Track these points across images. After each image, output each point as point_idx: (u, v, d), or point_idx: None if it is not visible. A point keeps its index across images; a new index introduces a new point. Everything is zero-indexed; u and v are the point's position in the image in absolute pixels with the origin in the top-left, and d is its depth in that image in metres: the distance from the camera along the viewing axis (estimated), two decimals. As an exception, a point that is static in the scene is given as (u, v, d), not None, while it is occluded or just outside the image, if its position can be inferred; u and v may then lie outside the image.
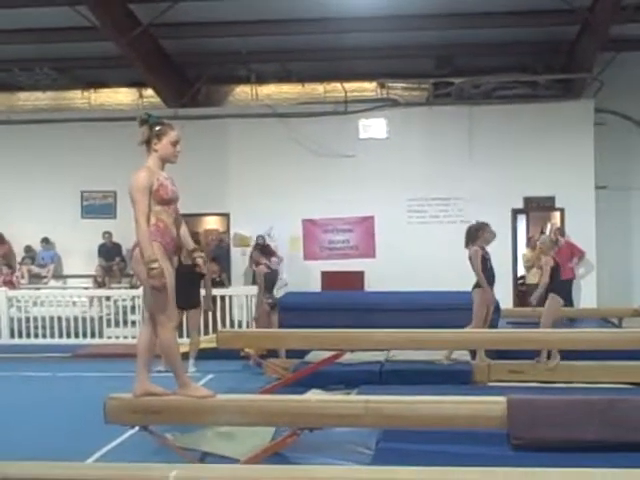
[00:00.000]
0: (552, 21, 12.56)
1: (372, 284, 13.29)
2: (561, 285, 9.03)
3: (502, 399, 4.55)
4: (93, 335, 12.12)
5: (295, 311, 9.41)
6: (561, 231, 13.49)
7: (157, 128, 4.56)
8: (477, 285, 8.45)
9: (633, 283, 13.81)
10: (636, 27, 12.71)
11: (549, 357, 8.17)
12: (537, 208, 14.10)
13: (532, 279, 11.66)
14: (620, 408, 4.58)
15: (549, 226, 14.13)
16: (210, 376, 9.02)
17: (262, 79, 14.45)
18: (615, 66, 13.34)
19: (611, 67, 13.31)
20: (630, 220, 14.25)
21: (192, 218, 14.71)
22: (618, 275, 13.75)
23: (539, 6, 12.04)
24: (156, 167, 4.58)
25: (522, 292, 13.32)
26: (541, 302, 8.82)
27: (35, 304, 12.36)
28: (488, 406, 4.61)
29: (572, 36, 12.93)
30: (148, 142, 4.59)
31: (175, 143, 4.62)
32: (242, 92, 14.82)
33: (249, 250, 13.23)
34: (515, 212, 13.90)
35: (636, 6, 11.57)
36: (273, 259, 10.42)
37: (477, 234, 8.53)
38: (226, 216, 14.33)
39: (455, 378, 7.68)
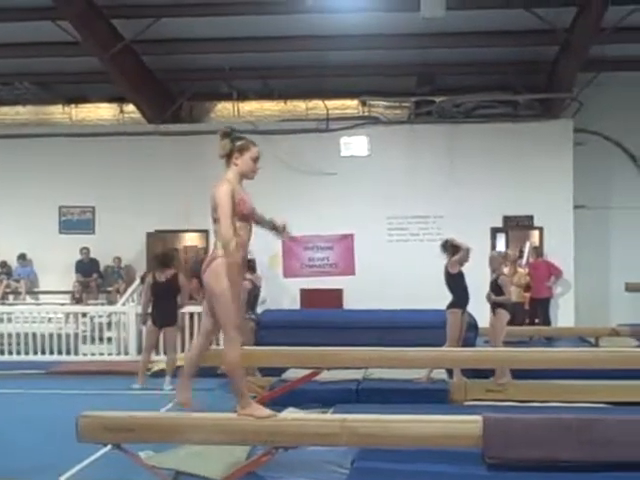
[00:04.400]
0: (532, 41, 12.70)
1: (351, 302, 13.26)
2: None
3: (478, 418, 4.53)
4: (68, 352, 11.99)
5: (273, 329, 9.39)
6: (539, 250, 13.56)
7: (239, 143, 4.59)
8: (451, 305, 8.50)
9: (610, 303, 13.88)
10: (615, 48, 12.86)
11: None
12: (516, 227, 14.17)
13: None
14: (596, 428, 4.57)
15: (528, 245, 14.20)
16: (186, 394, 8.92)
17: (244, 96, 14.47)
18: (595, 86, 13.48)
19: (591, 87, 13.45)
20: (608, 240, 14.35)
21: (171, 235, 14.72)
22: (595, 294, 13.82)
23: (519, 26, 12.16)
24: (235, 181, 4.58)
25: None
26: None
27: (10, 320, 12.20)
28: (463, 425, 4.59)
29: (552, 56, 13.07)
30: (229, 156, 4.59)
31: (256, 159, 4.67)
32: (224, 109, 14.83)
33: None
34: (494, 231, 13.96)
35: (615, 27, 11.71)
36: (256, 275, 10.40)
37: (454, 250, 8.60)
38: (205, 233, 14.26)
39: (432, 397, 7.68)
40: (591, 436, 4.53)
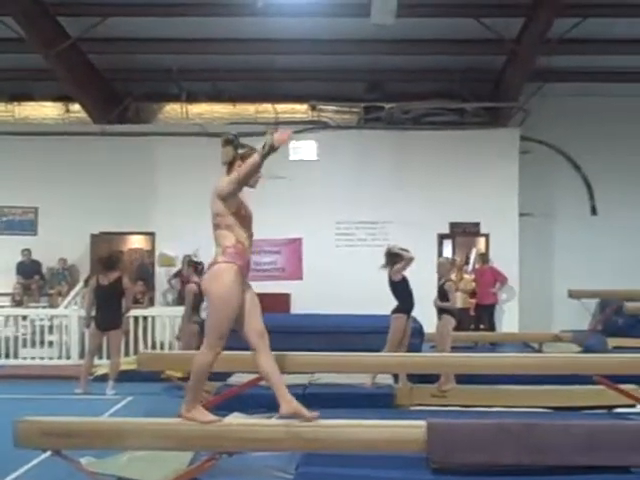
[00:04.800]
0: (480, 50, 12.87)
1: (298, 307, 13.23)
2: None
3: (422, 423, 4.54)
4: (7, 356, 11.71)
5: (219, 333, 9.28)
6: (485, 256, 13.73)
7: (242, 151, 4.52)
8: (396, 310, 8.54)
9: (554, 309, 14.11)
10: (560, 59, 13.14)
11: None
12: (462, 233, 14.31)
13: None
14: (537, 432, 4.62)
15: (474, 251, 14.37)
16: (129, 398, 8.80)
17: (193, 98, 14.34)
18: (540, 96, 13.73)
19: (537, 97, 13.69)
20: (552, 247, 14.61)
21: (117, 237, 14.49)
22: (539, 301, 14.05)
23: (468, 35, 12.31)
24: None
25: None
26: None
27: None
28: (408, 430, 4.60)
29: (500, 65, 13.26)
30: (231, 163, 4.52)
31: (256, 180, 4.56)
32: (172, 110, 14.67)
33: (174, 270, 13.05)
34: (441, 237, 14.08)
35: (560, 39, 11.94)
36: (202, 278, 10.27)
37: (395, 258, 8.63)
38: (151, 235, 14.09)
39: (378, 402, 7.68)
40: (532, 440, 4.58)
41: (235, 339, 8.69)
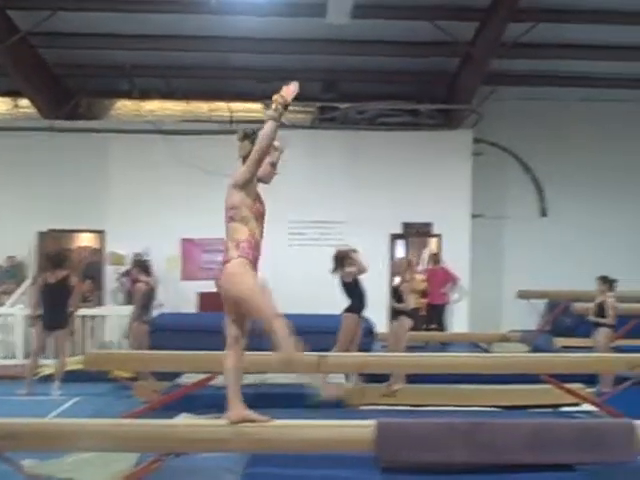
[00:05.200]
0: (435, 52, 12.94)
1: (250, 306, 13.13)
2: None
3: (371, 422, 4.54)
4: None
5: (168, 332, 9.20)
6: (437, 257, 13.82)
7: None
8: (347, 309, 8.56)
9: (503, 309, 14.28)
10: (514, 63, 13.29)
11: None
12: (415, 234, 14.39)
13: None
14: (485, 430, 4.66)
15: (426, 252, 14.46)
16: (76, 399, 8.66)
17: (146, 94, 14.15)
18: (494, 99, 13.86)
19: (490, 100, 13.82)
20: (503, 248, 14.79)
21: (65, 234, 14.24)
22: (489, 301, 14.20)
23: (423, 37, 12.37)
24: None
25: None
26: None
27: None
28: (357, 429, 4.59)
29: (454, 68, 13.35)
30: (247, 157, 4.34)
31: (274, 164, 4.44)
32: (124, 107, 14.45)
33: (123, 269, 12.87)
34: (394, 237, 14.14)
35: (514, 43, 12.07)
36: (151, 278, 10.18)
37: (344, 261, 8.66)
38: (101, 233, 13.87)
39: (329, 401, 7.67)
40: (479, 439, 4.61)
41: (183, 339, 8.66)
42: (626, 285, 10.62)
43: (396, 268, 9.52)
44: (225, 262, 4.24)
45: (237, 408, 4.34)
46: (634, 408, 6.28)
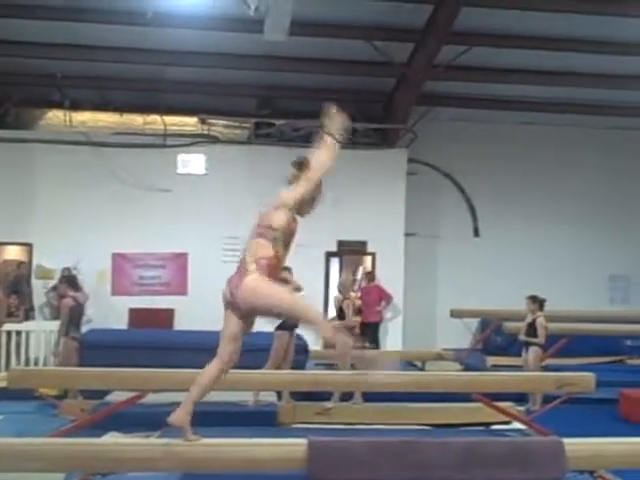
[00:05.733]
0: (371, 72, 13.09)
1: (183, 322, 12.96)
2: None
3: (303, 441, 4.49)
4: None
5: (98, 349, 8.98)
6: (371, 275, 13.88)
7: None
8: (279, 327, 8.55)
9: (436, 327, 14.40)
10: (448, 85, 13.51)
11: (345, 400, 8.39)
12: (350, 252, 14.43)
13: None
14: (416, 449, 4.66)
15: (361, 270, 14.51)
16: (-1, 417, 8.36)
17: (78, 105, 13.86)
18: (428, 120, 14.05)
19: (424, 120, 14.00)
20: (436, 267, 14.94)
21: (-9, 247, 13.81)
22: (423, 319, 14.31)
23: (360, 57, 12.48)
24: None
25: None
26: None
27: None
28: (289, 448, 4.54)
29: (390, 88, 13.50)
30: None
31: (314, 201, 4.58)
32: (55, 117, 14.12)
33: (52, 283, 12.55)
34: (329, 255, 14.15)
35: (447, 66, 12.28)
36: (80, 293, 9.93)
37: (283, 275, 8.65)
38: (29, 246, 13.49)
39: (260, 419, 7.61)
40: (410, 458, 4.61)
41: (113, 356, 8.46)
42: (556, 304, 10.83)
43: (341, 286, 9.58)
44: (241, 274, 4.21)
45: (183, 413, 4.41)
46: (562, 426, 6.39)
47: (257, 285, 4.13)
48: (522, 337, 9.95)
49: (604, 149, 15.15)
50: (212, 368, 4.37)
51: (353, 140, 14.07)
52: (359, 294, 13.79)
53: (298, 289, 8.72)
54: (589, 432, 5.04)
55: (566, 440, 4.75)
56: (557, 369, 8.68)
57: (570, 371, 7.34)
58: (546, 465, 4.68)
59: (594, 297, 14.64)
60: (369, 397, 8.47)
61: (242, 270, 4.23)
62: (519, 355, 10.12)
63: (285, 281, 8.67)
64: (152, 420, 7.46)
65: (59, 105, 13.85)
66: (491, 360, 11.79)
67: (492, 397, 7.08)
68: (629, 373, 11.69)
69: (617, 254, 15.15)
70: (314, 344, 10.27)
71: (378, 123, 14.05)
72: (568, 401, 7.01)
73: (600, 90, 13.66)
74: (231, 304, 4.28)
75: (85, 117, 14.02)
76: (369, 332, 13.40)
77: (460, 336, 13.44)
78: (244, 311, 4.24)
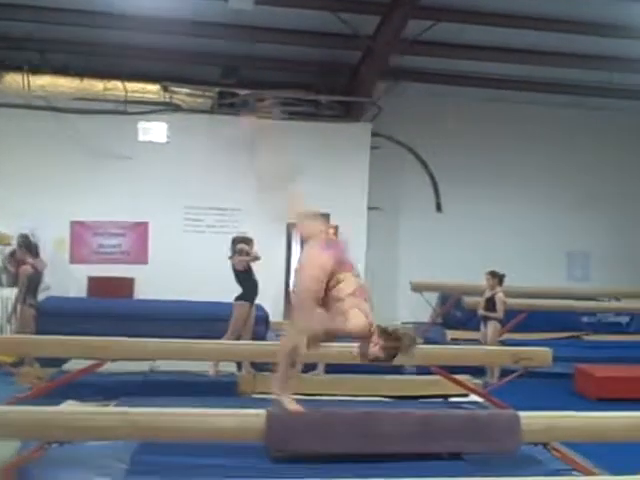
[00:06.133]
0: (337, 44, 12.96)
1: (143, 292, 12.86)
2: None
3: (262, 412, 4.50)
4: None
5: (55, 317, 8.90)
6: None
7: None
8: (239, 297, 8.56)
9: (398, 301, 14.49)
10: (414, 60, 13.46)
11: (308, 370, 8.46)
12: (312, 224, 14.37)
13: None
14: (374, 420, 4.70)
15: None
16: (-48, 386, 8.23)
17: (36, 69, 13.51)
18: (394, 94, 14.01)
19: (389, 95, 13.95)
20: (398, 241, 15.01)
21: None
22: (384, 293, 14.35)
23: (325, 28, 12.35)
24: None
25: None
26: None
27: None
28: (248, 419, 4.56)
29: (355, 60, 13.41)
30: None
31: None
32: (13, 81, 13.69)
33: (9, 249, 12.33)
34: (291, 226, 14.10)
35: (414, 40, 12.23)
36: (38, 260, 9.80)
37: (241, 248, 8.66)
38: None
39: (220, 389, 7.62)
40: (368, 429, 4.65)
41: (71, 324, 8.37)
42: (516, 280, 10.96)
43: None
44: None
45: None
46: (518, 400, 6.49)
47: None
48: (481, 312, 10.08)
49: (567, 127, 15.29)
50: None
51: (317, 112, 14.07)
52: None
53: (256, 258, 8.74)
54: (544, 406, 5.13)
55: (521, 413, 4.83)
56: (515, 344, 8.79)
57: (527, 346, 7.45)
58: (502, 437, 4.76)
59: (553, 274, 14.86)
60: (330, 369, 8.52)
61: None
62: (478, 329, 10.25)
63: (244, 252, 8.68)
64: (110, 389, 7.47)
65: (17, 68, 13.50)
66: (450, 334, 11.93)
67: (451, 370, 7.16)
68: (584, 349, 11.93)
69: (577, 231, 15.36)
70: (275, 315, 10.30)
71: (343, 96, 13.97)
72: (525, 375, 7.11)
73: (564, 69, 13.74)
74: None
75: (44, 81, 13.68)
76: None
77: (421, 310, 13.54)
78: None
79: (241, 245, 8.79)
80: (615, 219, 15.51)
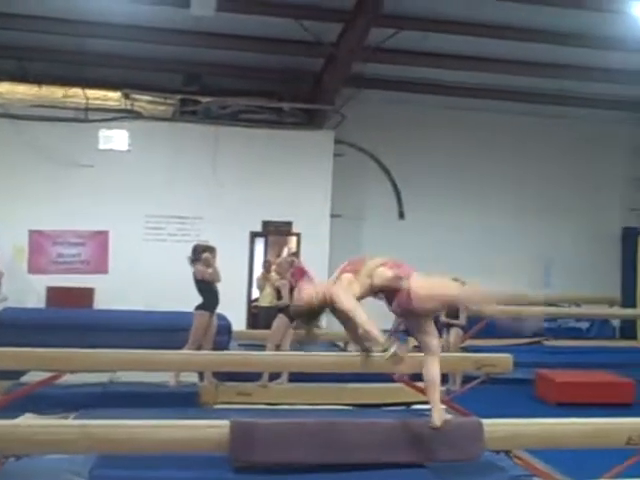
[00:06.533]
0: (299, 51, 12.95)
1: (103, 302, 12.68)
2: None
3: (224, 422, 4.46)
4: None
5: (13, 328, 8.72)
6: (296, 256, 13.83)
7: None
8: (199, 307, 8.50)
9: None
10: (376, 67, 13.52)
11: (272, 379, 8.42)
12: (275, 232, 14.36)
13: (263, 301, 11.72)
14: (337, 430, 4.67)
15: (285, 250, 14.47)
16: None
17: (-6, 76, 13.32)
18: (356, 101, 14.04)
19: (352, 102, 13.99)
20: (361, 249, 14.97)
21: None
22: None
23: (288, 35, 12.34)
24: None
25: (255, 314, 13.44)
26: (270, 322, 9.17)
27: None
28: (210, 430, 4.51)
29: (318, 68, 13.43)
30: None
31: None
32: (-30, 88, 13.55)
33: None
34: (253, 235, 14.06)
35: (376, 48, 12.28)
36: (-4, 270, 9.62)
37: (201, 255, 8.62)
38: None
39: (182, 400, 7.54)
40: (332, 439, 4.63)
41: (29, 335, 8.21)
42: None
43: (279, 267, 9.63)
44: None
45: (440, 412, 4.76)
46: (481, 406, 6.51)
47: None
48: (443, 318, 10.11)
49: (528, 135, 15.42)
50: (431, 364, 4.85)
51: (280, 120, 14.05)
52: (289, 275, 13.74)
53: (217, 278, 8.70)
54: (506, 412, 5.16)
55: (484, 421, 4.83)
56: (477, 350, 8.85)
57: (489, 352, 7.49)
58: (465, 445, 4.76)
59: (515, 280, 14.93)
60: (293, 378, 8.48)
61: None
62: (440, 336, 10.25)
63: (208, 262, 8.62)
64: (69, 401, 7.34)
65: (-26, 75, 13.29)
66: (413, 341, 11.92)
67: (413, 377, 7.16)
68: (545, 354, 12.04)
69: (539, 239, 15.49)
70: (238, 324, 10.23)
71: (306, 103, 13.97)
72: (487, 381, 7.14)
73: (521, 77, 13.89)
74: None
75: (2, 88, 13.47)
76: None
77: (383, 317, 13.52)
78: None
79: (206, 255, 8.72)
80: (576, 227, 15.68)
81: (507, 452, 5.14)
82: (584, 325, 14.92)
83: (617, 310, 14.84)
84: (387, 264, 4.85)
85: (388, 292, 4.81)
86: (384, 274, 4.77)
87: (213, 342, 8.59)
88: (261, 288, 11.49)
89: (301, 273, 13.41)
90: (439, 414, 4.74)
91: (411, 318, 4.93)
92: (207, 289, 8.58)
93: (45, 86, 13.33)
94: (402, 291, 4.74)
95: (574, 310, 14.25)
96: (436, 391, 4.81)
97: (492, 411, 5.01)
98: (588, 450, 5.14)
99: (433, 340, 4.88)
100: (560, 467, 5.74)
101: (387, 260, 4.89)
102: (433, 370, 4.82)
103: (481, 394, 7.63)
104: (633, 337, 14.87)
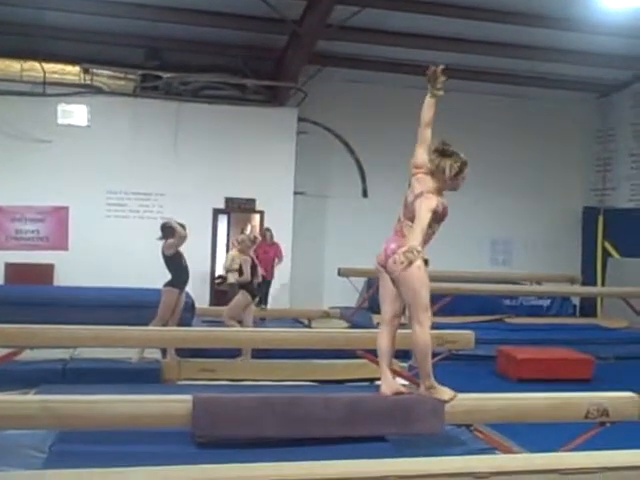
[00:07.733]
0: (263, 28, 12.82)
1: (64, 279, 12.55)
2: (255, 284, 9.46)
3: (187, 397, 4.44)
4: None
5: (-29, 304, 8.58)
6: (271, 233, 13.74)
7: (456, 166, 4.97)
8: (168, 283, 8.45)
9: (324, 286, 14.54)
10: (340, 45, 13.46)
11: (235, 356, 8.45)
12: (238, 209, 14.30)
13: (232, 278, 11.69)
14: (299, 405, 4.68)
15: (249, 227, 14.42)
16: None
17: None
18: (320, 79, 14.00)
19: (316, 80, 13.94)
20: (324, 226, 15.03)
21: None
22: (311, 278, 14.41)
23: (251, 11, 12.21)
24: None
25: (220, 291, 13.40)
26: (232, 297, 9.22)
27: None
28: (173, 405, 4.48)
29: (281, 45, 13.32)
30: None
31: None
32: None
33: None
34: (216, 212, 13.99)
35: (340, 26, 12.21)
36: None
37: (170, 232, 8.56)
38: None
39: (144, 377, 7.50)
40: (294, 413, 4.64)
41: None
42: (440, 265, 11.09)
43: (241, 244, 9.62)
44: (399, 242, 4.77)
45: (389, 381, 4.81)
46: (443, 382, 6.55)
47: (413, 275, 4.62)
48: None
49: (490, 115, 15.51)
50: (382, 334, 4.95)
51: (243, 97, 13.94)
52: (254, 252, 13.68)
53: (184, 238, 8.63)
54: (468, 387, 5.19)
55: (445, 395, 4.87)
56: (440, 327, 8.89)
57: (452, 329, 7.55)
58: (427, 420, 4.79)
59: (477, 259, 15.13)
60: (256, 354, 8.49)
61: (399, 235, 4.90)
62: (404, 313, 10.32)
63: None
64: (29, 377, 7.25)
65: None
66: (377, 318, 11.97)
67: (377, 354, 7.19)
68: (507, 331, 12.17)
69: (500, 218, 15.65)
70: (200, 301, 10.21)
71: (269, 80, 13.88)
72: (449, 357, 7.21)
73: (487, 57, 13.93)
74: (384, 267, 4.82)
75: (-42, 62, 13.16)
76: (264, 290, 13.36)
77: (347, 295, 13.61)
78: (393, 278, 4.74)
79: (182, 231, 8.64)
80: (538, 206, 15.85)
81: (468, 426, 5.19)
82: (545, 303, 15.13)
83: (577, 288, 15.08)
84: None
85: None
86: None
87: (178, 319, 8.55)
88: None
89: (275, 250, 13.41)
90: (387, 384, 4.83)
91: (383, 272, 4.92)
92: (176, 266, 8.51)
93: (1, 59, 13.04)
94: (397, 236, 4.88)
95: (535, 288, 14.43)
96: (383, 360, 4.91)
97: (454, 386, 5.03)
98: (548, 424, 5.21)
99: (388, 310, 5.00)
100: (520, 440, 5.82)
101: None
102: (381, 340, 4.95)
103: (444, 370, 7.63)
104: (593, 315, 15.14)
